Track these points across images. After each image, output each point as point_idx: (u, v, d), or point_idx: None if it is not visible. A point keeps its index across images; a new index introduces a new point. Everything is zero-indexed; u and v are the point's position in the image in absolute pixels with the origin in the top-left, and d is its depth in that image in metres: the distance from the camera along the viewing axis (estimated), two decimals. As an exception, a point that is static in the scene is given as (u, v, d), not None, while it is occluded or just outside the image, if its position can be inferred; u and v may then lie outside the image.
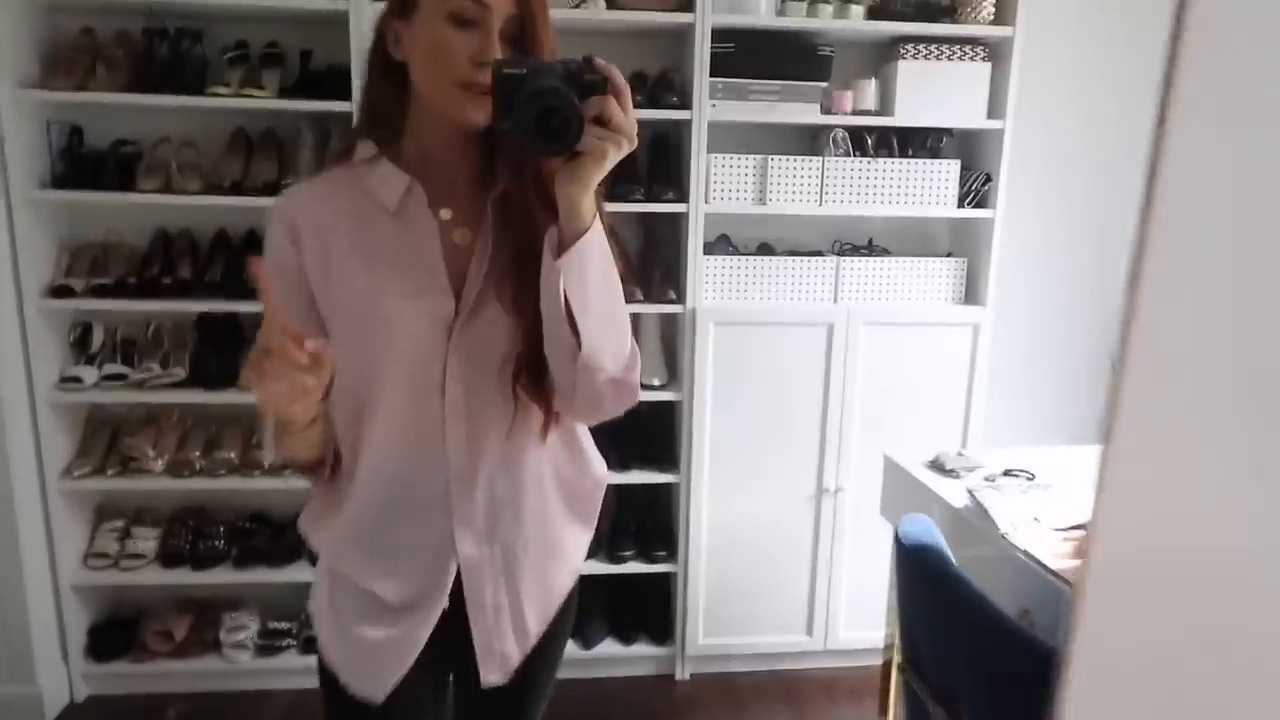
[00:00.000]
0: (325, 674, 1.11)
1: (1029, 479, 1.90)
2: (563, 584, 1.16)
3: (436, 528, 1.05)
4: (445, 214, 1.03)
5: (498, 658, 1.10)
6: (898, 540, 1.51)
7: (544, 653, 1.15)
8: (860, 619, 2.55)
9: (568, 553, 1.15)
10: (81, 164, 2.26)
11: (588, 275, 0.93)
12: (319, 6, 2.15)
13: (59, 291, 2.23)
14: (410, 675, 1.08)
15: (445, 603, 1.06)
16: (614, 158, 0.89)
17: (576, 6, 2.26)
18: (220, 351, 2.36)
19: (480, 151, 1.04)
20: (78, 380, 2.27)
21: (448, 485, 1.04)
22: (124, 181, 2.23)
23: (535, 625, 1.13)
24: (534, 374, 1.02)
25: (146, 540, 2.39)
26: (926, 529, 1.50)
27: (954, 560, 1.48)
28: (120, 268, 2.31)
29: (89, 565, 2.37)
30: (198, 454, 2.36)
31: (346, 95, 2.19)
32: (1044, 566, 1.49)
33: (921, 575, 1.47)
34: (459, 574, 1.07)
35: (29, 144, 2.18)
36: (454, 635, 1.09)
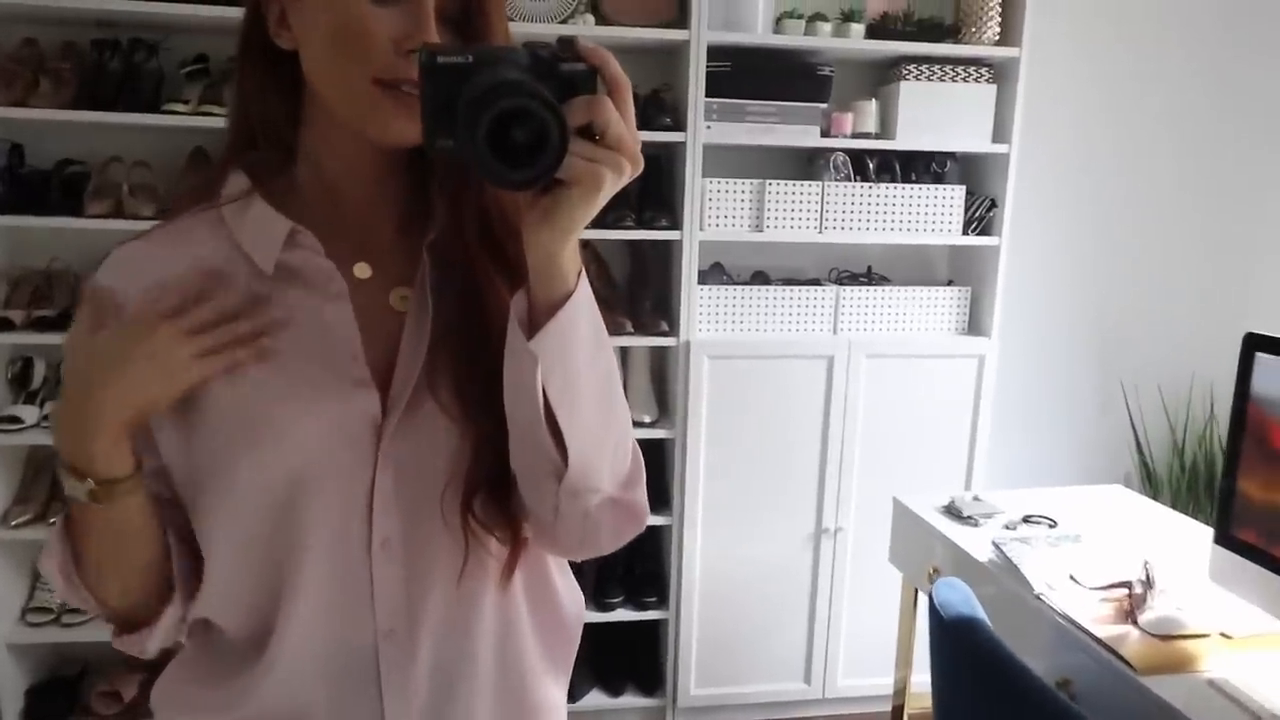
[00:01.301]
0: None
1: (1051, 526, 1.80)
2: None
3: (361, 713, 0.72)
4: (362, 271, 0.73)
5: None
6: (934, 610, 1.39)
7: None
8: (861, 666, 2.43)
9: (545, 716, 0.82)
10: (23, 185, 2.07)
11: (574, 356, 0.64)
12: (286, 18, 2.00)
13: (-4, 324, 2.05)
14: None
15: None
16: (611, 187, 0.59)
17: (563, 21, 2.13)
18: (176, 387, 2.19)
19: (411, 179, 0.75)
20: (17, 420, 2.09)
21: (376, 653, 0.72)
22: (70, 204, 2.06)
23: None
24: (493, 497, 0.71)
25: (93, 593, 2.20)
26: (964, 596, 1.37)
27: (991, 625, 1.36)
28: (65, 298, 2.13)
29: (28, 621, 2.18)
30: (150, 499, 2.18)
31: (315, 113, 2.04)
32: (1088, 633, 1.37)
33: (962, 650, 1.34)
34: None
35: (-36, 163, 2.00)
36: None
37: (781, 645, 2.42)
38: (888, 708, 2.04)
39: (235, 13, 0.73)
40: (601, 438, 0.68)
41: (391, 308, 0.73)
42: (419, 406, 0.70)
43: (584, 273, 0.64)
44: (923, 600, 1.93)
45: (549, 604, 0.81)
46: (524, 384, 0.64)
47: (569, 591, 0.84)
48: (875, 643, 2.33)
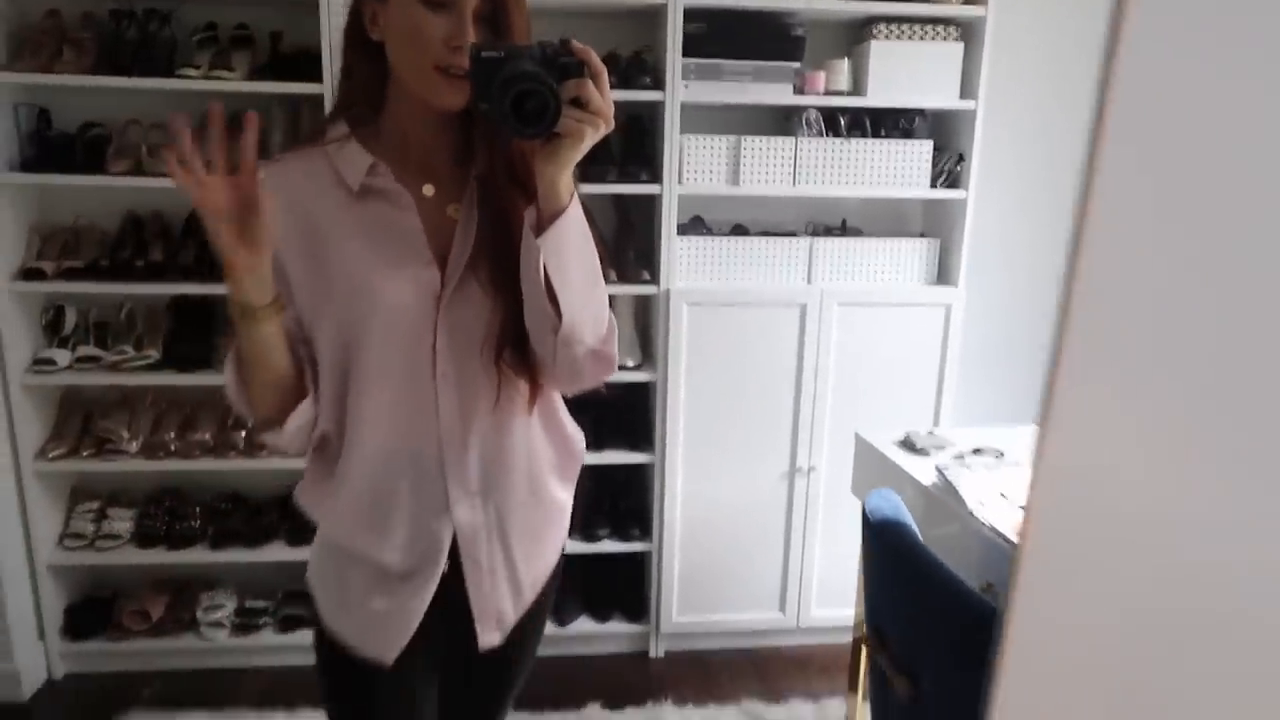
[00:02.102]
0: (324, 641, 1.13)
1: (998, 457, 1.93)
2: (555, 540, 1.20)
3: (432, 492, 1.07)
4: (429, 190, 1.05)
5: (494, 617, 1.13)
6: (864, 515, 1.54)
7: (536, 613, 1.19)
8: (832, 597, 2.58)
9: (556, 511, 1.19)
10: (50, 147, 2.24)
11: (566, 251, 0.97)
12: (288, -13, 2.14)
13: (30, 274, 2.23)
14: (410, 640, 1.10)
15: (445, 566, 1.09)
16: (591, 139, 0.92)
17: (547, -14, 2.25)
18: (194, 334, 2.37)
19: (459, 130, 1.06)
20: (51, 362, 2.27)
21: (441, 450, 1.06)
22: (93, 164, 2.22)
23: (530, 580, 1.16)
24: (516, 349, 1.06)
25: (122, 521, 2.40)
26: (893, 504, 1.52)
27: (920, 534, 1.50)
28: (92, 251, 2.31)
29: (65, 545, 2.38)
30: (172, 435, 2.36)
31: (317, 77, 2.18)
32: (1008, 541, 1.51)
33: (885, 548, 1.49)
34: (454, 538, 1.09)
35: (-3, 126, 2.17)
36: (449, 597, 1.10)
37: (758, 576, 2.58)
38: (853, 633, 2.19)
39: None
40: (584, 305, 1.01)
41: (448, 216, 1.06)
42: (465, 284, 1.04)
43: (576, 196, 0.97)
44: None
45: (559, 432, 1.19)
46: (532, 267, 0.97)
47: (574, 429, 1.22)
48: (846, 575, 2.47)
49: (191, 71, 2.18)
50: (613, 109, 0.92)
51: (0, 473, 2.23)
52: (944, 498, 1.79)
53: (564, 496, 1.20)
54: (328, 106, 2.19)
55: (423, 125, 1.04)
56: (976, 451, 1.97)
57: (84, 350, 2.31)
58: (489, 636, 1.13)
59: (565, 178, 0.95)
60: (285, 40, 2.30)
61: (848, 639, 2.42)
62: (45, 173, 2.20)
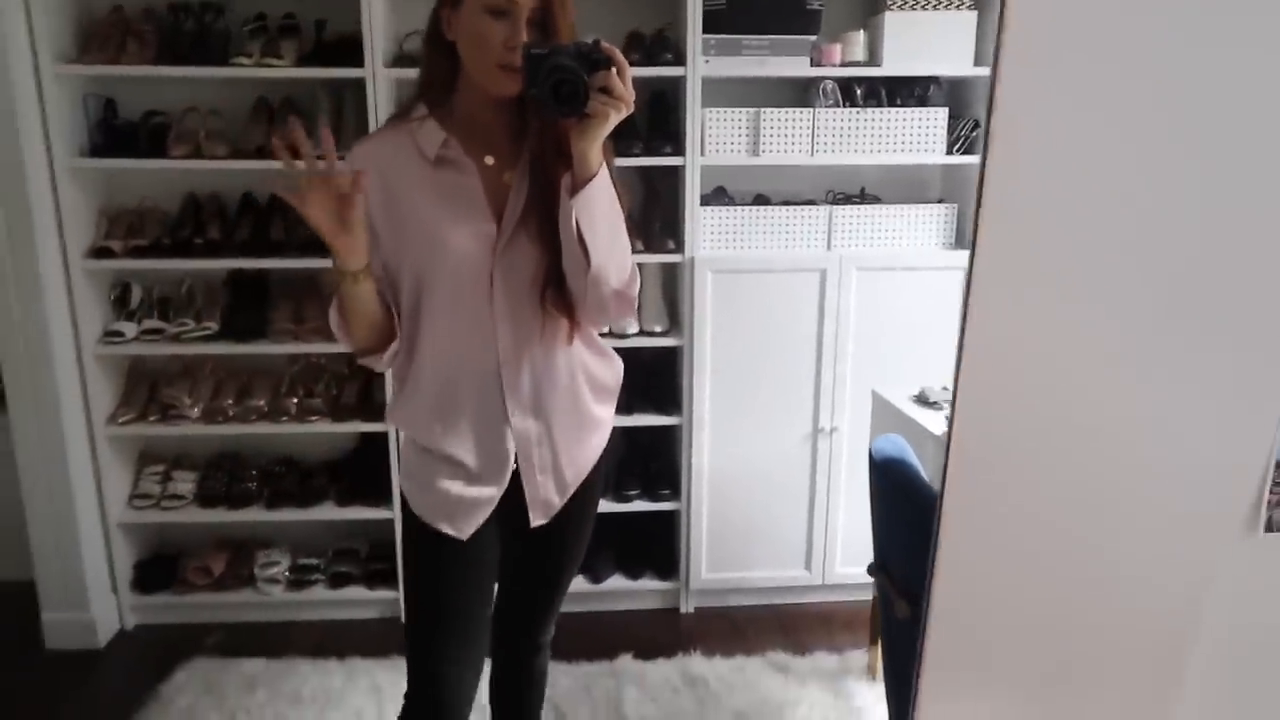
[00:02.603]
0: (410, 522, 1.40)
1: (1003, 405, 2.00)
2: (593, 446, 1.46)
3: (493, 405, 1.34)
4: (489, 160, 1.30)
5: (541, 505, 1.41)
6: (870, 455, 1.62)
7: (581, 497, 1.45)
8: (856, 555, 2.65)
9: (595, 423, 1.44)
10: (116, 134, 2.42)
11: (595, 209, 1.20)
12: (330, -22, 2.28)
13: (100, 253, 2.41)
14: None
15: (514, 465, 1.36)
16: (615, 119, 1.15)
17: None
18: (249, 306, 2.53)
19: (515, 112, 1.30)
20: (119, 335, 2.45)
21: (499, 370, 1.32)
22: (155, 149, 2.39)
23: (572, 478, 1.43)
24: (557, 289, 1.30)
25: (186, 483, 2.58)
26: (897, 446, 1.60)
27: (923, 472, 1.58)
28: (155, 230, 2.48)
29: (134, 505, 2.56)
30: (230, 402, 2.53)
31: (359, 62, 2.33)
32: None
33: (889, 485, 1.58)
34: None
35: (68, 116, 2.35)
36: (510, 488, 1.38)
37: (783, 534, 2.66)
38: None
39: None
40: (609, 254, 1.24)
41: (504, 182, 1.30)
42: (516, 238, 1.28)
43: (605, 166, 1.20)
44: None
45: (598, 358, 1.44)
46: (568, 222, 1.21)
47: (611, 356, 1.47)
48: (870, 533, 2.55)
49: (244, 60, 2.34)
50: (634, 95, 1.14)
51: (75, 438, 2.42)
52: (954, 442, 1.86)
53: (600, 411, 1.45)
54: (369, 91, 2.34)
55: (485, 108, 1.27)
56: (989, 403, 2.04)
57: (149, 323, 2.48)
58: (536, 519, 1.41)
59: (595, 150, 1.17)
60: (329, 28, 2.45)
61: (871, 595, 2.51)
62: (112, 158, 2.38)
